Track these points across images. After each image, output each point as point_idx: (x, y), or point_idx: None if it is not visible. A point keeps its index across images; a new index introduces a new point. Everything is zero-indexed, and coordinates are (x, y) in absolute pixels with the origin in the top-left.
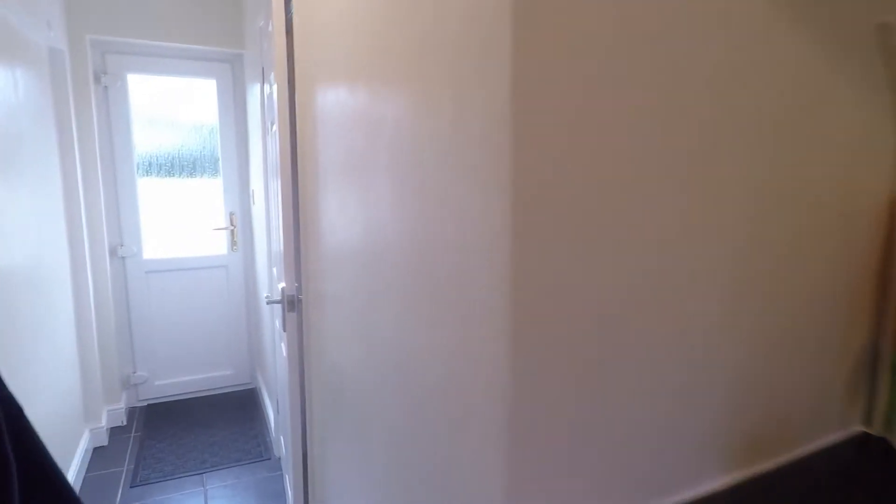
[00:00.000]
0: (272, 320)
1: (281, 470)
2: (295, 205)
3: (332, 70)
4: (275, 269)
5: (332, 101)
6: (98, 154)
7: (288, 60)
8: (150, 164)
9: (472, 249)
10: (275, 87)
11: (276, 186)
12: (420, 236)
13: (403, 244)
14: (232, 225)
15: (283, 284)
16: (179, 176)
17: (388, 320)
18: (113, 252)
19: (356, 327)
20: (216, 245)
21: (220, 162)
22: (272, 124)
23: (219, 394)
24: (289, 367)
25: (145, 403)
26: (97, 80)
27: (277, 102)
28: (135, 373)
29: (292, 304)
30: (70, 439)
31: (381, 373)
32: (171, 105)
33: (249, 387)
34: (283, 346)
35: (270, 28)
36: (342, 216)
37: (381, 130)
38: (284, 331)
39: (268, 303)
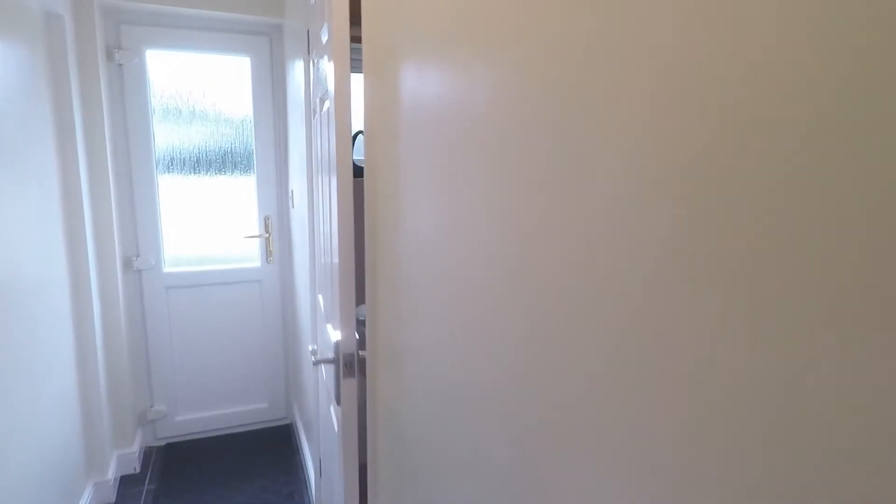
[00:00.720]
0: (312, 324)
1: None
2: (357, 216)
3: (437, 34)
4: (320, 298)
5: (435, 77)
6: (108, 146)
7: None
8: (171, 160)
9: None
10: (326, 60)
11: (327, 185)
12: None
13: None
14: (267, 232)
15: (337, 336)
16: (206, 173)
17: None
18: (127, 264)
19: (485, 400)
20: (248, 256)
21: (254, 156)
22: (322, 102)
23: (250, 431)
24: (343, 452)
25: (164, 443)
26: (109, 56)
27: (335, 67)
28: (152, 407)
29: (351, 365)
30: (65, 500)
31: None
32: (196, 87)
33: (285, 422)
34: (334, 418)
35: None
36: (458, 238)
37: (536, 122)
38: (339, 403)
39: (315, 363)
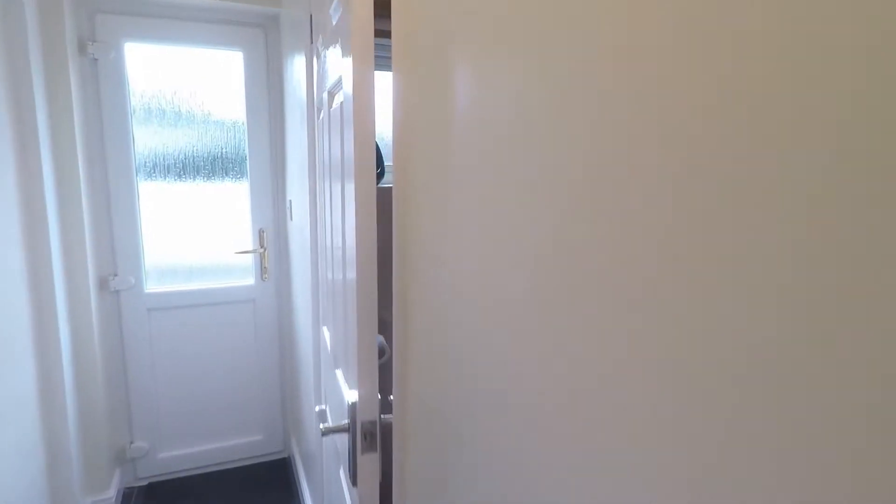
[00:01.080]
0: (315, 370)
1: None
2: (382, 237)
3: (515, 22)
4: (326, 332)
5: (515, 75)
6: (80, 150)
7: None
8: (154, 166)
9: None
10: (339, 50)
11: (339, 192)
12: None
13: None
14: (262, 246)
15: (353, 396)
16: (194, 181)
17: None
18: (103, 284)
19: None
20: (241, 273)
21: (248, 162)
22: (331, 96)
23: (243, 467)
24: None
25: (146, 483)
26: (82, 49)
27: (354, 60)
28: (132, 444)
29: (372, 436)
30: None
31: None
32: (183, 85)
33: (281, 456)
34: (348, 497)
35: None
36: (540, 265)
37: None
38: (355, 484)
39: (324, 433)
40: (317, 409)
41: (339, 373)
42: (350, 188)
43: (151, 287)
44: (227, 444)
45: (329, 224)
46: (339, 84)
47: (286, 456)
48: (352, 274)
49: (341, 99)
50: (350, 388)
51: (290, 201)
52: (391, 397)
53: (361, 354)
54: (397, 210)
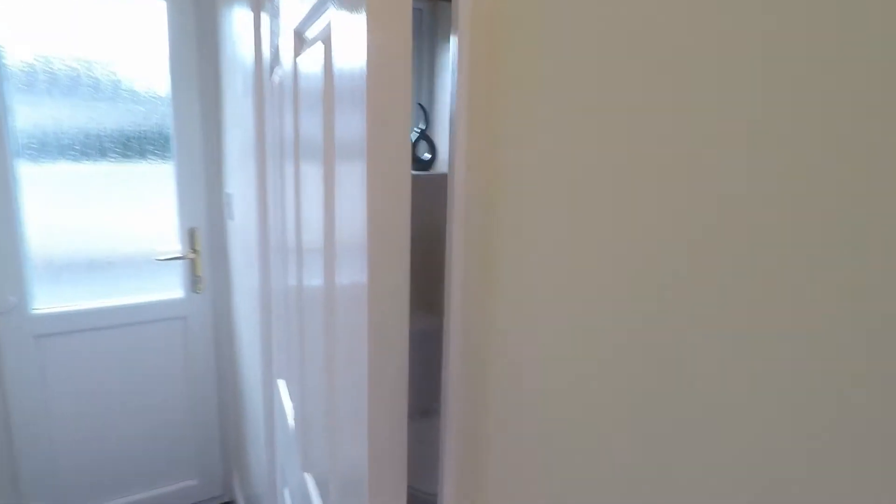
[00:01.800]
0: (265, 397)
1: None
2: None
3: None
4: (283, 388)
5: None
6: None
7: None
8: (41, 146)
9: None
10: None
11: (318, 175)
12: None
13: None
14: (193, 250)
15: None
16: (99, 166)
17: None
18: None
19: None
20: (166, 284)
21: (174, 145)
22: (299, 42)
23: None
24: None
25: None
26: None
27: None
28: None
29: None
30: None
31: None
32: (82, 42)
33: (222, 501)
34: None
35: None
36: None
37: None
38: None
39: None
40: None
41: (308, 481)
42: (360, 166)
43: (42, 306)
44: (153, 493)
45: (293, 222)
46: (315, 13)
47: (227, 501)
48: (356, 309)
49: (323, 57)
50: None
51: (230, 195)
52: None
53: (376, 467)
54: (467, 221)
